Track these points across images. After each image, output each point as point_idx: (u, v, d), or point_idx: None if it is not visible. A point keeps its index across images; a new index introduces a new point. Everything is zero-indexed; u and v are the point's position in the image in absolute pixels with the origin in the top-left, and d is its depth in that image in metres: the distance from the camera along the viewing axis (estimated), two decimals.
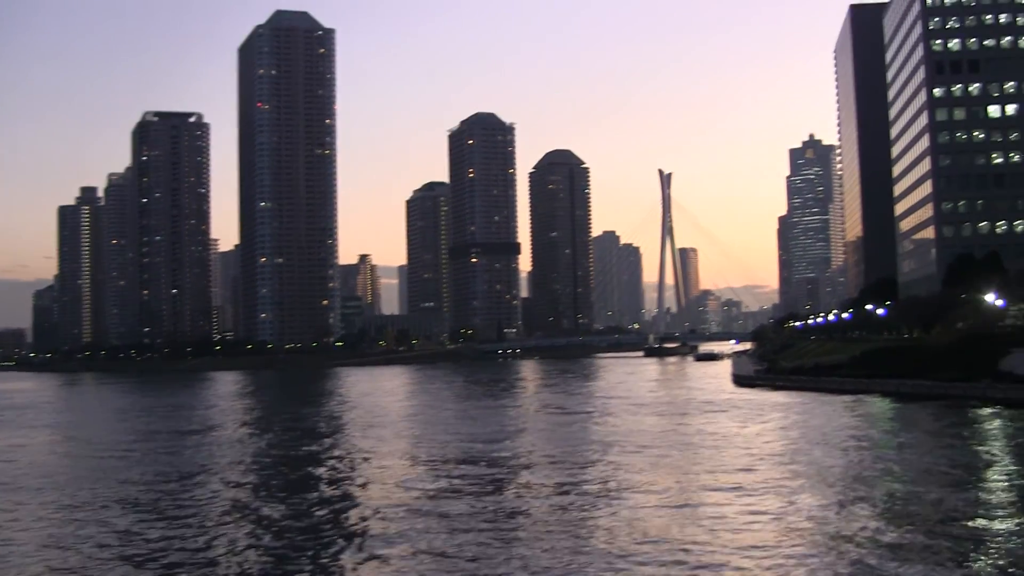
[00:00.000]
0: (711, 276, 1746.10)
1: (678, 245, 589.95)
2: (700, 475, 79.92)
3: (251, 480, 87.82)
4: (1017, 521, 58.64)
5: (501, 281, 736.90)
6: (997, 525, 57.72)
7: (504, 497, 72.42)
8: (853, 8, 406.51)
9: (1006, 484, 72.01)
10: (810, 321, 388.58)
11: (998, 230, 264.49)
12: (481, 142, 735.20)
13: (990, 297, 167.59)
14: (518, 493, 74.12)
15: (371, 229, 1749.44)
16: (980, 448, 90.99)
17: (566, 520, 63.20)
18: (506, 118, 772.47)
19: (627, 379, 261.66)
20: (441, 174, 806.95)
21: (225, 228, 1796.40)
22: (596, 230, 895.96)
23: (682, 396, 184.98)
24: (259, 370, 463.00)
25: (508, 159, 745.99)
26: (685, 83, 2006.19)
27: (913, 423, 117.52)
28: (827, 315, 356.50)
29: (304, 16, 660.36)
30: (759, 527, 58.93)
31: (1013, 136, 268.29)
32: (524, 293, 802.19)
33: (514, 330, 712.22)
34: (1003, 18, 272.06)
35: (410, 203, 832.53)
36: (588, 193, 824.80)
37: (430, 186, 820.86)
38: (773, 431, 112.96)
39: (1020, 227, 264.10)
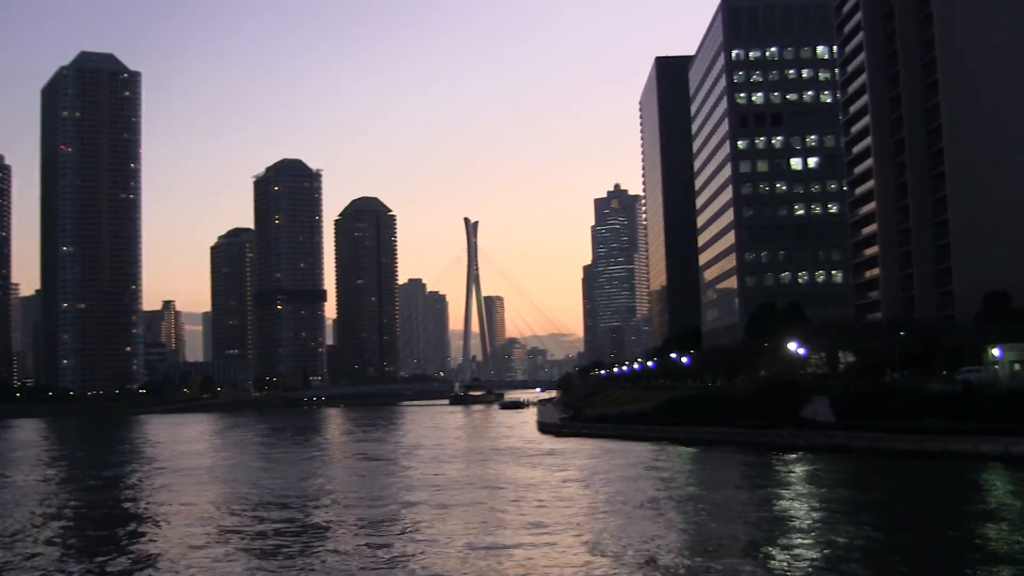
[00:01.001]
0: (517, 324, 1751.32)
1: (484, 293, 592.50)
2: (503, 521, 78.11)
3: (39, 532, 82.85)
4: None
5: (307, 328, 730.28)
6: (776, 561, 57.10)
7: (305, 544, 69.52)
8: (659, 60, 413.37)
9: (793, 524, 72.29)
10: (615, 369, 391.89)
11: (800, 280, 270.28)
12: (287, 188, 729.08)
13: (792, 346, 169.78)
14: (319, 545, 71.15)
15: (176, 275, 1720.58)
16: (778, 491, 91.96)
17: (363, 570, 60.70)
18: (313, 164, 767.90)
19: (433, 427, 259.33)
20: (247, 220, 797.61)
21: (26, 273, 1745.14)
22: (402, 278, 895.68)
23: (487, 444, 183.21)
24: (61, 417, 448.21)
25: (315, 206, 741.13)
26: (492, 131, 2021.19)
27: (715, 469, 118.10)
28: (632, 363, 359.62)
29: (109, 58, 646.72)
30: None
31: (814, 188, 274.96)
32: (330, 341, 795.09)
33: (320, 378, 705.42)
34: (805, 73, 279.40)
35: (215, 249, 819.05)
36: (395, 241, 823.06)
37: (236, 232, 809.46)
38: (576, 478, 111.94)
39: (821, 277, 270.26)
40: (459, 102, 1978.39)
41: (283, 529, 78.68)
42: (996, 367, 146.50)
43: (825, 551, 62.71)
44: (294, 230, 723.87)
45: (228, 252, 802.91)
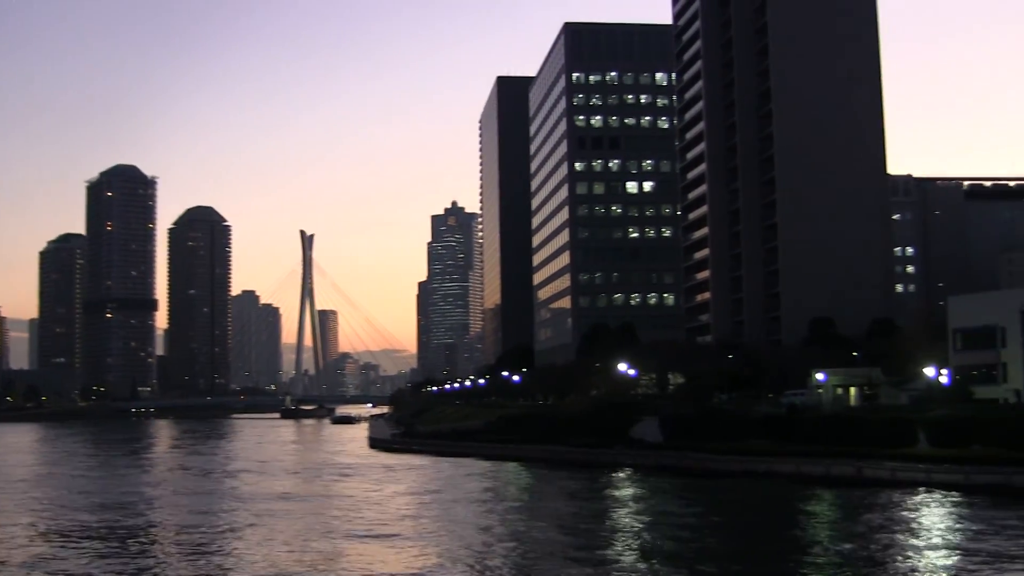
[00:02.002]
0: (350, 339, 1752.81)
1: (318, 307, 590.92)
2: (332, 533, 77.97)
3: None
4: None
5: (137, 338, 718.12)
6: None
7: (129, 556, 68.61)
8: (500, 80, 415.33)
9: (616, 537, 73.65)
10: (447, 386, 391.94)
11: (632, 302, 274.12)
12: (121, 195, 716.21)
13: (623, 366, 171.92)
14: (144, 556, 70.30)
15: (1, 280, 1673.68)
16: (604, 507, 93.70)
17: None
18: (148, 171, 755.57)
19: (263, 441, 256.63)
20: (78, 226, 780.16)
21: None
22: (236, 289, 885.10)
23: (318, 459, 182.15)
24: None
25: (148, 213, 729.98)
26: (331, 145, 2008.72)
27: (545, 486, 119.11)
28: (464, 381, 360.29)
29: None
30: None
31: (649, 212, 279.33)
32: (160, 351, 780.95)
33: (149, 389, 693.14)
34: (644, 98, 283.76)
35: (44, 254, 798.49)
36: (229, 251, 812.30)
37: (66, 238, 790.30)
38: (407, 493, 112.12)
39: (654, 300, 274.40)
40: (298, 114, 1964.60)
41: (105, 535, 77.60)
42: (820, 391, 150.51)
43: (648, 562, 64.02)
44: (127, 237, 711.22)
45: (58, 258, 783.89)
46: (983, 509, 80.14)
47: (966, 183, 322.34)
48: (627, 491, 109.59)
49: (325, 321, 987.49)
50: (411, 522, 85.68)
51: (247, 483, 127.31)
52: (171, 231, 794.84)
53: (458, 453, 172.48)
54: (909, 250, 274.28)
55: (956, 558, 62.09)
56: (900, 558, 62.28)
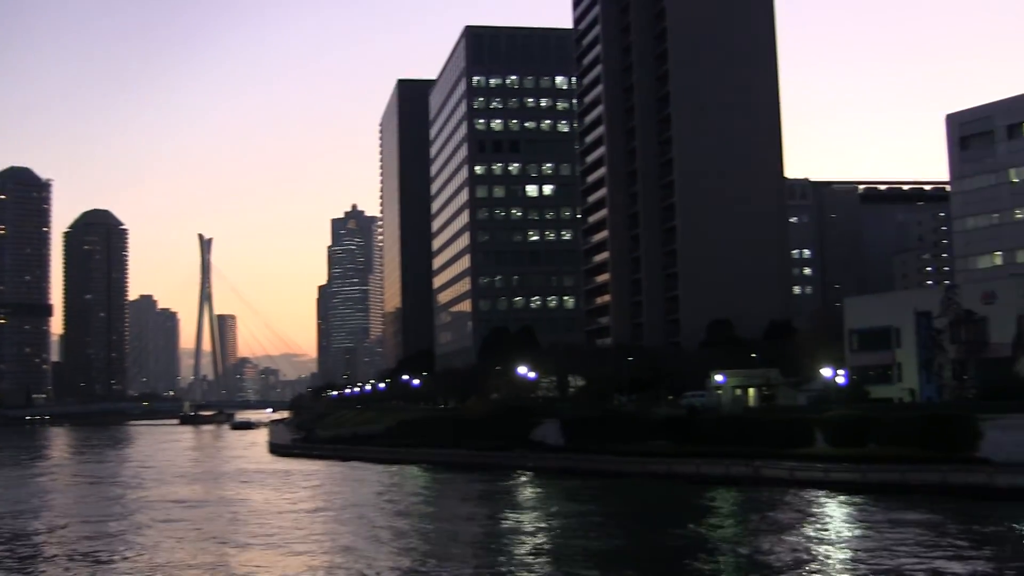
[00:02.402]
0: (250, 344, 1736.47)
1: (217, 312, 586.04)
2: (229, 539, 77.32)
3: None
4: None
5: (31, 344, 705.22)
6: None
7: (15, 561, 67.54)
8: (401, 83, 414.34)
9: (515, 538, 73.47)
10: (348, 390, 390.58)
11: (533, 305, 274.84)
12: (14, 197, 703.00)
13: (523, 369, 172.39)
14: (33, 561, 69.27)
15: None
16: (504, 510, 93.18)
17: None
18: (43, 174, 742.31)
19: (162, 447, 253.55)
20: None
21: None
22: (133, 294, 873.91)
23: (217, 465, 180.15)
24: None
25: (43, 217, 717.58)
26: (230, 148, 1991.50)
27: (446, 489, 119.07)
28: (365, 385, 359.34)
29: None
30: None
31: (549, 215, 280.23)
32: (55, 357, 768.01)
33: (44, 395, 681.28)
34: (544, 101, 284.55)
35: None
36: (126, 256, 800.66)
37: None
38: (307, 499, 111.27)
39: (554, 303, 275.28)
40: (196, 116, 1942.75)
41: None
42: (719, 392, 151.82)
43: (539, 562, 64.30)
44: (20, 241, 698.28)
45: None
46: (878, 506, 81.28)
47: (861, 187, 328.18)
48: (526, 493, 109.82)
49: (224, 325, 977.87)
50: (307, 528, 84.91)
51: (142, 490, 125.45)
52: (67, 235, 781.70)
53: (359, 458, 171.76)
54: (806, 252, 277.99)
55: (850, 554, 62.88)
56: (795, 556, 62.87)
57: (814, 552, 64.03)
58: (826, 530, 72.61)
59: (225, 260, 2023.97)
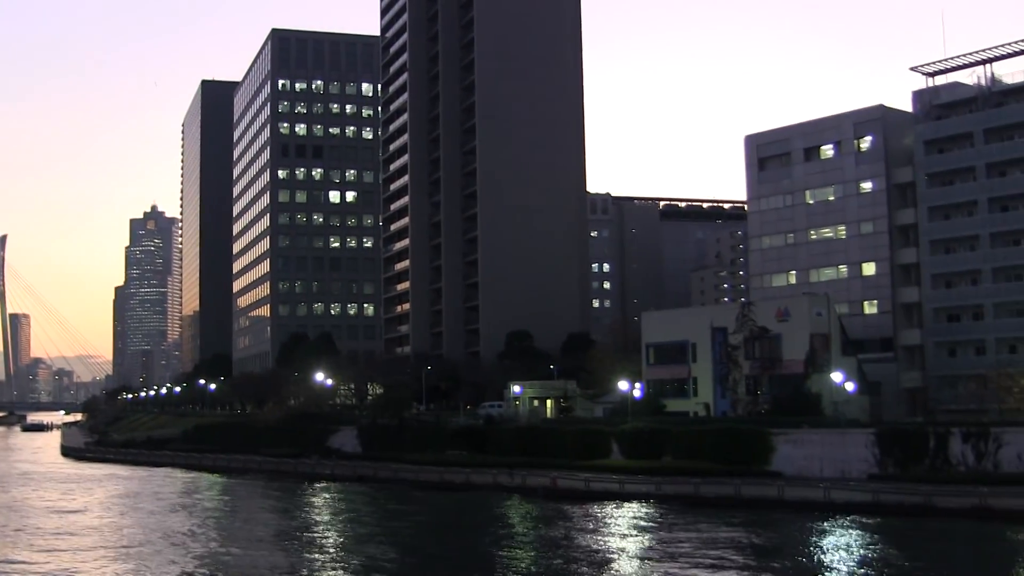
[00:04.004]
0: (44, 344, 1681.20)
1: (10, 311, 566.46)
2: (17, 544, 75.03)
3: None
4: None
5: None
6: None
7: None
8: (205, 84, 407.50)
9: (302, 545, 72.91)
10: (143, 394, 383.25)
11: (332, 312, 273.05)
12: None
13: (321, 376, 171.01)
14: None
15: None
16: (296, 517, 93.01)
17: None
18: None
19: None
20: None
21: None
22: None
23: (3, 468, 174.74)
24: None
25: None
26: (27, 144, 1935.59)
27: (240, 496, 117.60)
28: (161, 388, 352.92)
29: None
30: None
31: (351, 222, 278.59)
32: None
33: None
34: (348, 108, 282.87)
35: None
36: None
37: None
38: (98, 503, 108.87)
39: (353, 310, 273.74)
40: None
41: None
42: (516, 403, 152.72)
43: (337, 570, 63.74)
44: None
45: None
46: (671, 518, 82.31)
47: (662, 203, 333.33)
48: (319, 500, 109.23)
49: (17, 325, 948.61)
50: (95, 532, 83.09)
51: None
52: None
53: (153, 463, 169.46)
54: (606, 266, 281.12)
55: (637, 564, 63.52)
56: (580, 566, 63.36)
57: (600, 563, 64.39)
58: (615, 541, 73.21)
59: (20, 258, 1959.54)
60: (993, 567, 62.07)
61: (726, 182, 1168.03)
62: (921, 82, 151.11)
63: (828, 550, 67.24)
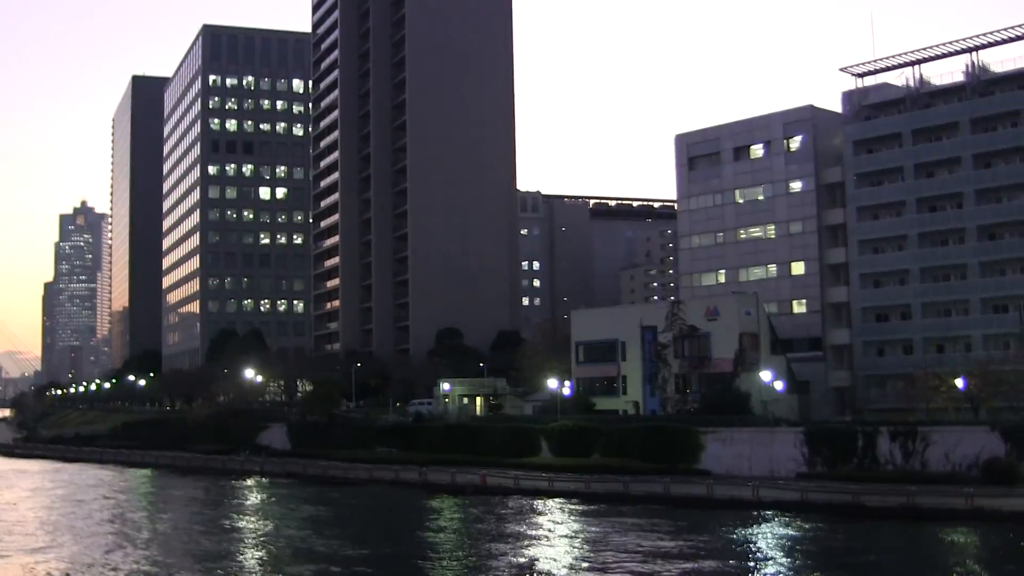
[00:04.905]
0: None
1: None
2: None
3: None
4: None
5: None
6: None
7: None
8: (136, 79, 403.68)
9: (220, 545, 72.63)
10: (72, 390, 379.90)
11: (262, 308, 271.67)
12: None
13: (250, 373, 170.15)
14: None
15: None
16: (223, 515, 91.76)
17: None
18: None
19: None
20: None
21: None
22: None
23: None
24: None
25: None
26: None
27: (167, 493, 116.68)
28: (91, 384, 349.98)
29: None
30: None
31: (281, 218, 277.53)
32: None
33: None
34: (279, 104, 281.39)
35: None
36: None
37: None
38: (26, 499, 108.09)
39: (283, 306, 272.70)
40: None
41: None
42: (446, 400, 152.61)
43: (263, 566, 63.40)
44: None
45: None
46: (599, 517, 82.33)
47: (592, 202, 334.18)
48: (246, 498, 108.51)
49: None
50: (28, 533, 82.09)
51: None
52: None
53: (82, 459, 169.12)
54: (536, 264, 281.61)
55: (566, 562, 63.46)
56: (509, 561, 63.41)
57: (524, 560, 64.31)
58: (542, 539, 73.10)
59: None
60: (920, 566, 62.48)
61: (656, 181, 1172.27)
62: (850, 83, 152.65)
63: (756, 549, 67.46)
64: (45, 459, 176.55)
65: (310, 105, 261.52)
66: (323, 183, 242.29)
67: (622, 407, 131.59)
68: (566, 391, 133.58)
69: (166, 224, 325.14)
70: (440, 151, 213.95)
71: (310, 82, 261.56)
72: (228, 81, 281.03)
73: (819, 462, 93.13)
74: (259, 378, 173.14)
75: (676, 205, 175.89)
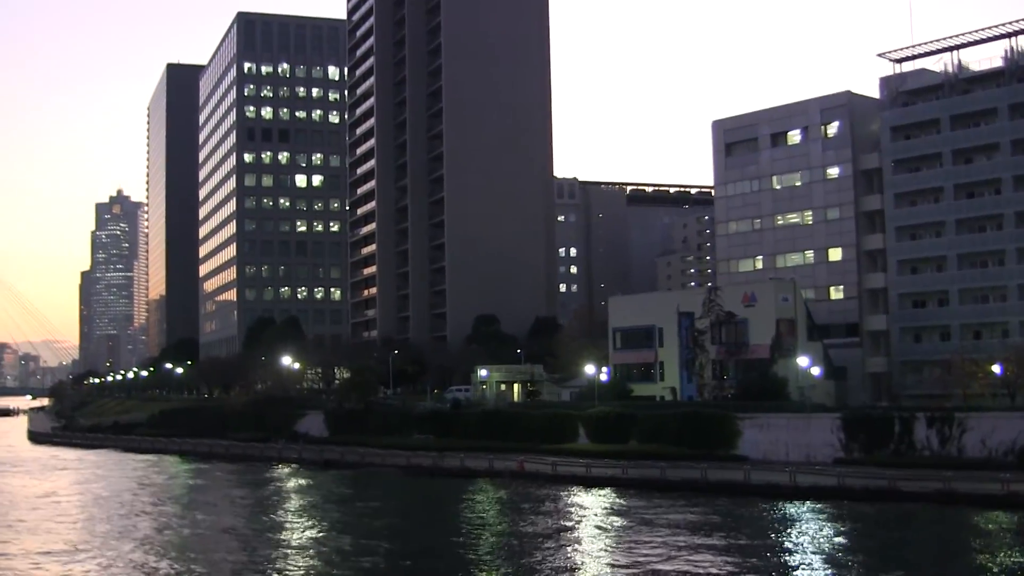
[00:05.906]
0: (9, 329, 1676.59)
1: None
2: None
3: None
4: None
5: None
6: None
7: None
8: (171, 67, 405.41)
9: (271, 531, 72.61)
10: (110, 378, 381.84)
11: (299, 296, 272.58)
12: None
13: (287, 360, 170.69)
14: None
15: None
16: (263, 501, 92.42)
17: None
18: None
19: None
20: None
21: None
22: None
23: None
24: None
25: None
26: None
27: (207, 480, 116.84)
28: (128, 373, 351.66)
29: None
30: None
31: (317, 206, 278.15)
32: None
33: None
34: (315, 91, 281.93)
35: None
36: None
37: None
38: (68, 488, 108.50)
39: (320, 294, 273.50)
40: None
41: None
42: (483, 387, 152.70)
43: (309, 559, 63.38)
44: None
45: None
46: (636, 502, 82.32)
47: (628, 188, 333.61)
48: (287, 485, 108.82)
49: None
50: (60, 515, 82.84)
51: None
52: None
53: (120, 447, 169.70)
54: (573, 251, 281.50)
55: (602, 547, 63.48)
56: (552, 549, 63.34)
57: (570, 546, 64.39)
58: (581, 526, 73.13)
59: None
60: (956, 551, 62.31)
61: (693, 167, 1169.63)
62: (888, 68, 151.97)
63: (793, 534, 67.37)
64: (84, 447, 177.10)
65: (345, 92, 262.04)
66: (359, 171, 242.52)
67: (659, 393, 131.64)
68: (603, 377, 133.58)
69: (202, 212, 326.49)
70: (476, 138, 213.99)
71: (345, 69, 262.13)
72: (263, 68, 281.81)
73: (856, 448, 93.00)
74: (296, 366, 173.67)
75: (713, 191, 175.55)
